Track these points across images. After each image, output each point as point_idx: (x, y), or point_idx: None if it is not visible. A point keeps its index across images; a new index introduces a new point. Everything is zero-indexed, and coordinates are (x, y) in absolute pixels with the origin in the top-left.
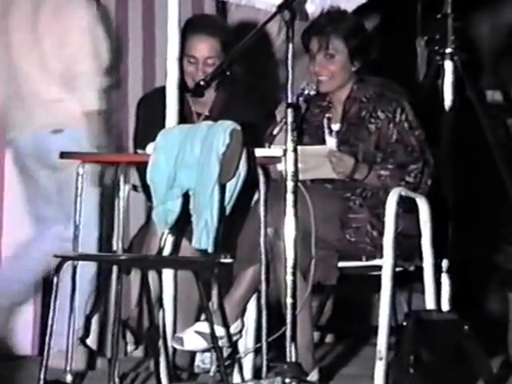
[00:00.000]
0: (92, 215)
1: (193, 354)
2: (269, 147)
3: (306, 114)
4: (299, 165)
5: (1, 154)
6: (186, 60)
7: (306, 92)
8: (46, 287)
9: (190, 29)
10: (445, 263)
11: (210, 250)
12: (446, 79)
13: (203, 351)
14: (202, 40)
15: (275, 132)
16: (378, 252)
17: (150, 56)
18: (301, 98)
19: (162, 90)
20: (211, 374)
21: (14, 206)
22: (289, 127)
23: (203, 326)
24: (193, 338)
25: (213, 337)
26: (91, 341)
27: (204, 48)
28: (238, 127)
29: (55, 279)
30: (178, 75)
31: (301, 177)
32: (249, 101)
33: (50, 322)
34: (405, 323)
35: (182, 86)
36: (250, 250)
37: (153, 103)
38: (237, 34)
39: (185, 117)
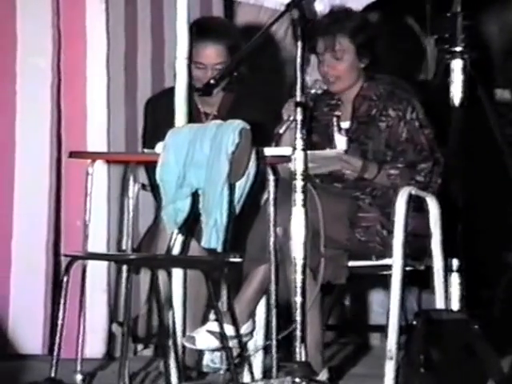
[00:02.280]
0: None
1: (201, 354)
2: (275, 146)
3: (315, 112)
4: (309, 164)
5: (12, 154)
6: (194, 65)
7: (314, 91)
8: (56, 286)
9: (197, 34)
10: (455, 262)
11: (220, 249)
12: (455, 78)
13: (215, 350)
14: (209, 46)
15: (281, 131)
16: (387, 251)
17: (159, 56)
18: (308, 97)
19: (171, 90)
20: (221, 373)
21: (25, 207)
22: (298, 126)
23: (215, 326)
24: (205, 338)
25: (222, 336)
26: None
27: (212, 55)
28: (248, 126)
29: (65, 278)
30: (186, 74)
31: (311, 171)
32: (256, 100)
33: (59, 322)
34: (415, 322)
35: (191, 86)
36: (260, 249)
37: (161, 103)
38: (245, 35)
39: (193, 117)
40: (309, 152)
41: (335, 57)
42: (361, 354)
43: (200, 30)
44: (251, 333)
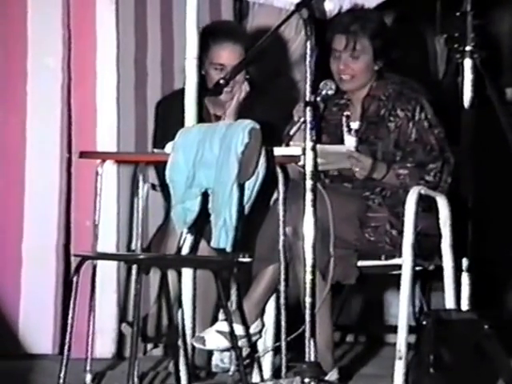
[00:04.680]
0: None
1: (210, 353)
2: (286, 147)
3: (324, 113)
4: (318, 160)
5: (22, 155)
6: (213, 67)
7: (324, 92)
8: (66, 286)
9: (213, 37)
10: (465, 262)
11: (229, 249)
12: (465, 77)
13: (224, 350)
14: (229, 48)
15: (292, 132)
16: (397, 251)
17: (169, 56)
18: (318, 98)
19: (182, 92)
20: (230, 373)
21: (35, 207)
22: (307, 126)
23: (224, 326)
24: (214, 338)
25: (232, 336)
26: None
27: (232, 55)
28: (257, 126)
29: (75, 278)
30: (196, 74)
31: (320, 168)
32: (266, 100)
33: (70, 322)
34: (424, 322)
35: (202, 88)
36: (269, 249)
37: (172, 105)
38: (259, 37)
39: (204, 119)
40: (319, 146)
41: (353, 56)
42: (371, 354)
43: (218, 32)
44: (260, 332)
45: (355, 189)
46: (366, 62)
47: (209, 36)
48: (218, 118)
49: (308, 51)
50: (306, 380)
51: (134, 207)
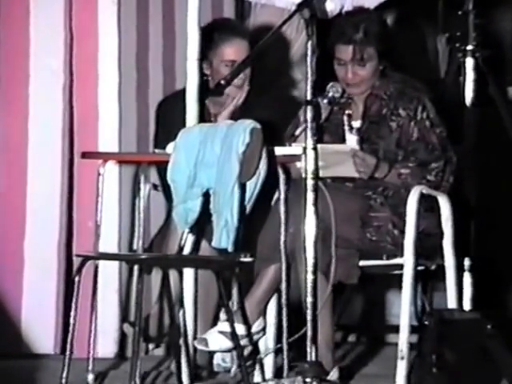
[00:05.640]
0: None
1: (212, 353)
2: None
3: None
4: (319, 162)
5: (24, 155)
6: (224, 65)
7: (331, 94)
8: (68, 286)
9: (220, 34)
10: (467, 262)
11: (230, 249)
12: (467, 76)
13: (227, 351)
14: (237, 43)
15: (297, 133)
16: (399, 251)
17: (171, 57)
18: (325, 100)
19: (183, 92)
20: (232, 373)
21: (37, 208)
22: (308, 125)
23: (226, 326)
24: (217, 339)
25: (234, 335)
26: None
27: (241, 51)
28: (258, 126)
29: (77, 278)
30: (198, 76)
31: (320, 174)
32: (267, 100)
33: (72, 321)
34: (427, 322)
35: (203, 88)
36: (271, 248)
37: (173, 105)
38: (261, 37)
39: (204, 120)
40: (321, 146)
41: (361, 64)
42: (373, 354)
43: (224, 29)
44: (262, 330)
45: (357, 188)
46: (373, 66)
47: (214, 34)
48: (217, 117)
49: (309, 51)
50: (308, 380)
51: (136, 207)
